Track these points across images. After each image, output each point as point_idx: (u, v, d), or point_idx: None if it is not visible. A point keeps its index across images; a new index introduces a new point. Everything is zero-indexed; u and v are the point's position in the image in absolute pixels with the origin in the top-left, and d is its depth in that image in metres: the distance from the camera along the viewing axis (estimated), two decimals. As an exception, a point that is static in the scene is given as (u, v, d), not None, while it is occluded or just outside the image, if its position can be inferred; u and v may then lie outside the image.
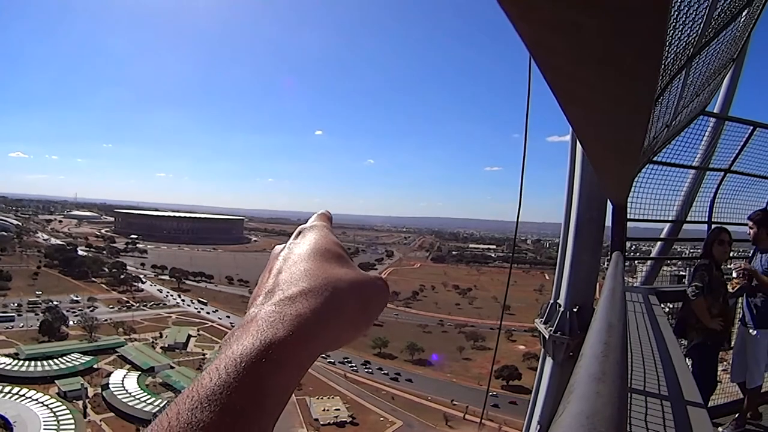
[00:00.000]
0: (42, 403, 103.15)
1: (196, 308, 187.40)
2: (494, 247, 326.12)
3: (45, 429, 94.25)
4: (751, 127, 14.13)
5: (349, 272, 0.88)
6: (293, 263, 0.87)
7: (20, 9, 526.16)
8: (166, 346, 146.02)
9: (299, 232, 0.97)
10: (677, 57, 4.81)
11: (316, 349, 0.75)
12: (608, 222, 10.66)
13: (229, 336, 0.70)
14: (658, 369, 6.48)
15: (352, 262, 0.93)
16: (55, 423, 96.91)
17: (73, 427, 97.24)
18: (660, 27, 1.51)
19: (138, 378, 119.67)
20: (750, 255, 10.98)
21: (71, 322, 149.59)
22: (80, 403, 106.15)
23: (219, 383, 0.59)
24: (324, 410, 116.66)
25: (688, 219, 15.06)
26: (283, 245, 0.96)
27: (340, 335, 0.82)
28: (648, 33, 1.49)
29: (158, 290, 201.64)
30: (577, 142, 8.84)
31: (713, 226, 14.06)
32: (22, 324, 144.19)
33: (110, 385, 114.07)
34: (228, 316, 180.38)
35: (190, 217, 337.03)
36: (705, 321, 9.69)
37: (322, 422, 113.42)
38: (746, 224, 10.96)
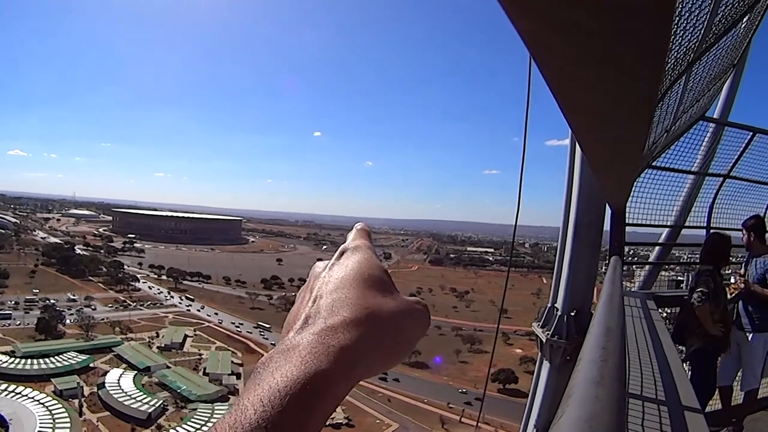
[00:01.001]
0: (38, 401, 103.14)
1: (186, 306, 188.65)
2: (492, 250, 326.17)
3: (41, 427, 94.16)
4: (751, 133, 14.15)
5: (390, 301, 0.85)
6: (334, 289, 0.84)
7: (20, 8, 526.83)
8: (163, 345, 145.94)
9: (342, 252, 0.94)
10: (677, 62, 4.80)
11: (355, 379, 0.75)
12: (607, 226, 10.67)
13: (267, 360, 0.69)
14: (656, 374, 6.47)
15: (394, 288, 0.91)
16: (51, 421, 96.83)
17: (68, 425, 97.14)
18: (663, 31, 1.51)
19: (134, 377, 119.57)
20: (745, 260, 11.01)
21: (68, 321, 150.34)
22: (76, 401, 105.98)
23: (264, 416, 0.56)
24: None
25: (687, 224, 15.07)
26: (325, 263, 0.93)
27: (379, 364, 0.81)
28: (651, 37, 1.48)
29: (148, 287, 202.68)
30: (577, 145, 8.82)
31: (712, 231, 14.10)
32: (18, 322, 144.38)
33: (106, 384, 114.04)
34: (216, 313, 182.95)
35: (188, 217, 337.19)
36: (708, 327, 9.68)
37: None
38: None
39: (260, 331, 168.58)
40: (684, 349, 10.47)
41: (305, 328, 0.78)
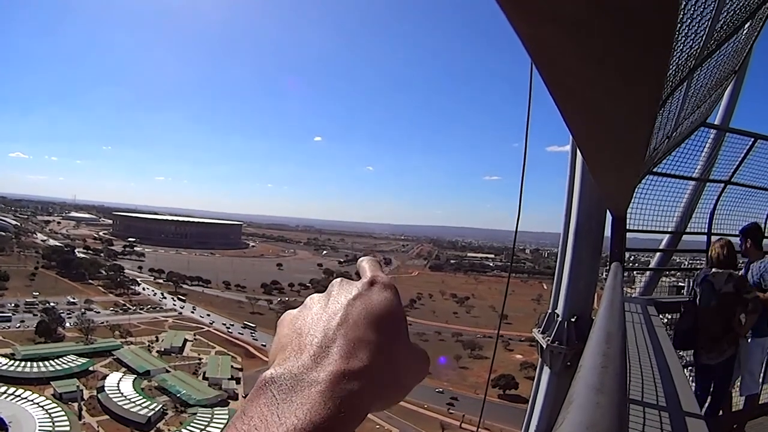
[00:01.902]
0: (37, 404, 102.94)
1: (180, 307, 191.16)
2: (492, 256, 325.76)
3: (40, 430, 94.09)
4: (752, 139, 14.15)
5: (406, 351, 0.87)
6: (359, 324, 0.81)
7: (20, 8, 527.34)
8: (162, 350, 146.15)
9: (371, 282, 0.90)
10: (679, 68, 4.81)
11: (359, 422, 0.73)
12: (607, 232, 10.67)
13: (279, 383, 0.69)
14: (657, 380, 6.47)
15: (408, 337, 0.90)
16: (51, 424, 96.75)
17: (68, 428, 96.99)
18: (665, 38, 1.50)
19: (134, 381, 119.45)
20: (744, 266, 11.03)
21: (68, 324, 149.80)
22: (75, 405, 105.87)
23: None
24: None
25: (688, 230, 15.06)
26: (350, 285, 0.90)
27: (384, 406, 0.81)
28: (653, 43, 1.48)
29: (143, 289, 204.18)
30: (578, 152, 8.84)
31: (713, 237, 14.11)
32: (18, 324, 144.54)
33: (106, 388, 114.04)
34: (208, 314, 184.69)
35: (188, 221, 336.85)
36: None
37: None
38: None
39: (251, 333, 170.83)
40: (685, 354, 10.50)
41: (323, 361, 0.76)
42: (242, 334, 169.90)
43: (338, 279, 0.96)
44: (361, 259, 0.90)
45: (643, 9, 1.27)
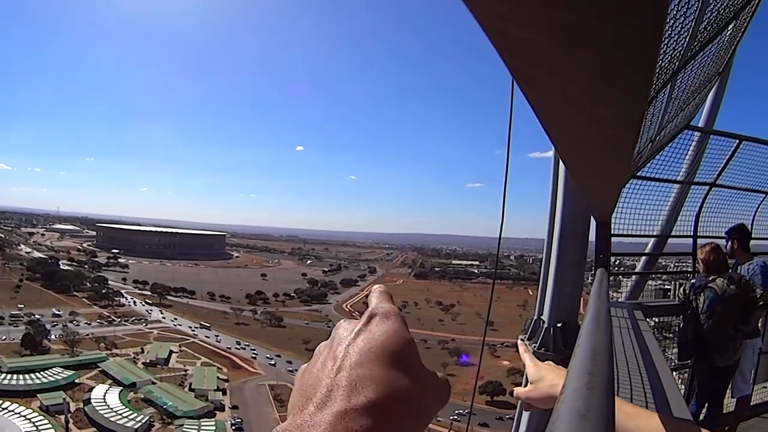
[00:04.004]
0: (24, 416, 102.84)
1: (148, 310, 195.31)
2: (477, 263, 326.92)
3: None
4: (737, 141, 14.13)
5: (415, 380, 0.82)
6: (358, 362, 0.77)
7: (3, 23, 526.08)
8: (148, 361, 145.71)
9: (370, 317, 0.87)
10: (662, 70, 4.73)
11: None
12: (592, 237, 10.63)
13: None
14: (645, 387, 6.40)
15: (419, 361, 0.88)
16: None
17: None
18: (651, 41, 1.45)
19: (120, 393, 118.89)
20: (732, 268, 11.00)
21: (53, 336, 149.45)
22: (62, 417, 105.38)
23: None
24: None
25: (673, 233, 15.05)
26: (351, 327, 0.86)
27: None
28: (638, 47, 1.39)
29: (120, 290, 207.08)
30: (560, 159, 8.78)
31: (699, 240, 14.12)
32: (4, 337, 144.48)
33: (92, 400, 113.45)
34: (175, 318, 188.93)
35: (171, 233, 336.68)
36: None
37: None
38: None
39: (216, 336, 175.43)
40: (674, 357, 10.48)
41: (326, 405, 0.71)
42: (209, 337, 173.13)
43: (341, 321, 0.93)
44: (371, 289, 0.88)
45: (629, 13, 1.11)
